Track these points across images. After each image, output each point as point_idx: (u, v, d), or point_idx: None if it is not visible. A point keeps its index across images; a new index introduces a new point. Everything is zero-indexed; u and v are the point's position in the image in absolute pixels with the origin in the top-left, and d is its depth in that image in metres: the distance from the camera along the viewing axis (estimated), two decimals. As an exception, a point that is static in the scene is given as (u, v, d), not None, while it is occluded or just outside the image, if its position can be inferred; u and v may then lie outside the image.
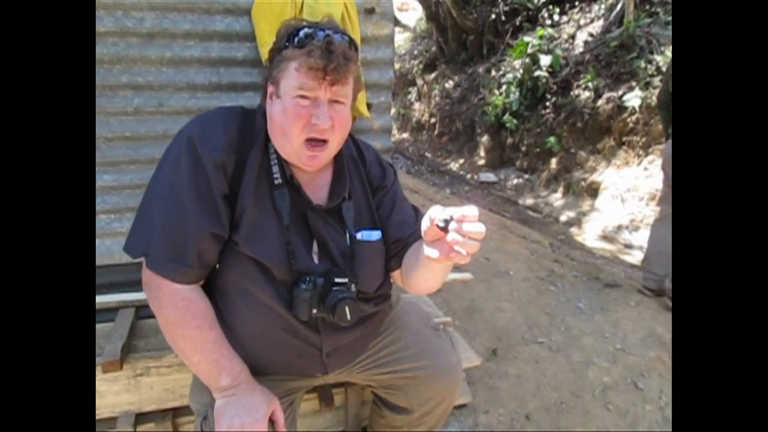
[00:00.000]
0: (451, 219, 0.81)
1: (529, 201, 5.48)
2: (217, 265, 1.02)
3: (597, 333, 2.45)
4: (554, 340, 2.38)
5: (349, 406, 1.54)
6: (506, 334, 2.40)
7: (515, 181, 5.96)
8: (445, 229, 0.82)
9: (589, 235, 4.63)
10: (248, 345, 1.03)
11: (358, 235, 1.11)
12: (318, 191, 1.10)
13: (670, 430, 1.93)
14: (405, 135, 8.67)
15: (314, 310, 1.03)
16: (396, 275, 1.20)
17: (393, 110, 1.81)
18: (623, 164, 4.89)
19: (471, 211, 0.80)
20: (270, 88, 1.01)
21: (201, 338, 0.96)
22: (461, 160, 6.95)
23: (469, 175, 6.49)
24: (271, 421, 0.99)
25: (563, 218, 5.00)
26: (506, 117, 6.05)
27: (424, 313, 1.38)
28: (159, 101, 1.45)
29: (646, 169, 4.72)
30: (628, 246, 4.33)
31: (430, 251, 0.88)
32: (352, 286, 1.06)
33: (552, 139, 5.48)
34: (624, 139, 4.91)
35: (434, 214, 0.84)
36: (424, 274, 1.06)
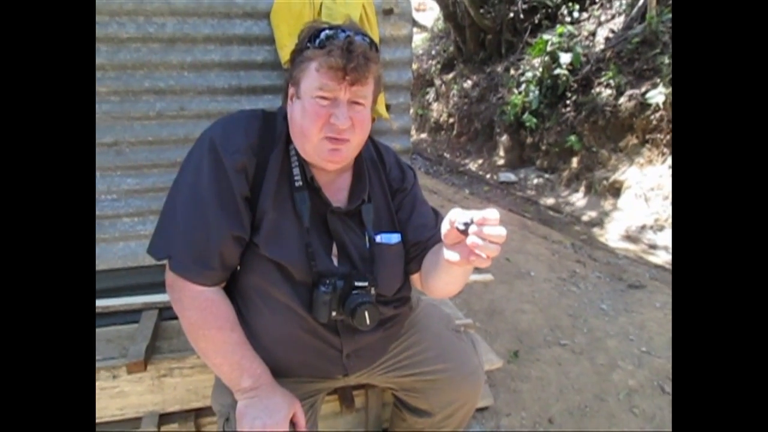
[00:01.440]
0: (472, 222, 0.80)
1: (550, 201, 5.41)
2: (238, 267, 1.02)
3: (621, 335, 2.41)
4: (577, 342, 2.35)
5: (369, 407, 1.54)
6: (528, 336, 2.39)
7: (535, 181, 5.89)
8: (465, 233, 0.81)
9: (611, 235, 4.54)
10: (269, 347, 1.03)
11: (378, 238, 1.10)
12: (338, 193, 1.10)
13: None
14: (423, 135, 8.65)
15: (333, 313, 1.03)
16: (415, 278, 1.19)
17: (411, 111, 1.80)
18: (647, 163, 4.79)
19: (492, 214, 0.79)
20: (291, 90, 1.01)
21: (223, 340, 0.97)
22: (480, 160, 6.91)
23: (488, 175, 6.44)
24: (292, 423, 1.00)
25: (585, 218, 4.92)
26: (526, 116, 5.97)
27: (444, 315, 1.37)
28: (180, 105, 1.47)
29: (670, 167, 4.58)
30: (653, 246, 4.22)
31: (450, 254, 0.87)
32: (372, 289, 1.06)
33: (573, 137, 5.39)
34: (647, 137, 4.81)
35: (454, 217, 0.83)
36: (444, 278, 1.05)
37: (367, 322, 1.01)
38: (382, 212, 1.14)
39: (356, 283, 1.04)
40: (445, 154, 7.60)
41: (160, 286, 1.42)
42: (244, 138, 1.00)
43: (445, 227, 0.86)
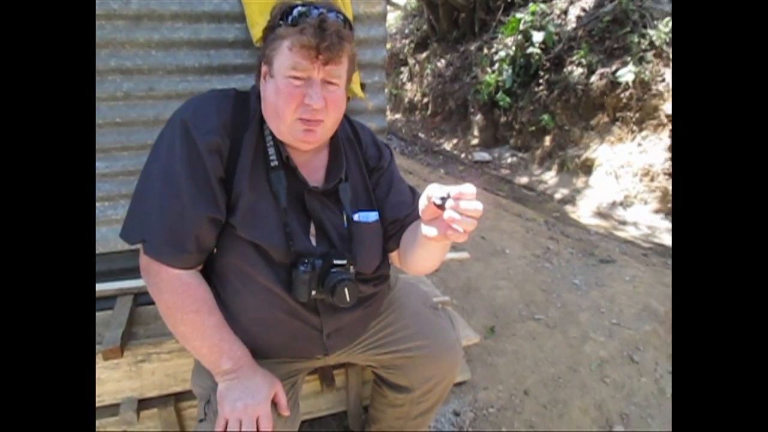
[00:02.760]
0: (448, 197, 0.81)
1: (524, 179, 5.49)
2: (215, 250, 1.01)
3: (593, 308, 2.48)
4: (551, 317, 2.40)
5: (350, 386, 1.55)
6: (503, 311, 2.43)
7: (509, 160, 5.96)
8: (442, 207, 0.82)
9: (583, 212, 4.65)
10: (249, 328, 1.03)
11: (356, 217, 1.10)
12: (314, 173, 1.09)
13: (667, 400, 1.97)
14: (398, 116, 8.62)
15: (313, 292, 1.03)
16: (394, 256, 1.20)
17: (386, 90, 1.79)
18: (617, 140, 4.90)
19: (468, 189, 0.80)
20: (263, 68, 0.99)
21: (201, 323, 0.96)
22: (455, 140, 6.94)
23: (463, 155, 6.48)
24: (274, 403, 1.00)
25: (558, 196, 5.02)
26: (499, 95, 6.01)
27: (422, 293, 1.39)
28: (149, 85, 1.42)
29: (639, 144, 4.72)
30: (622, 222, 4.35)
31: (427, 230, 0.88)
32: (351, 267, 1.06)
33: (545, 116, 5.46)
34: (618, 115, 4.91)
35: (432, 192, 0.84)
36: (422, 254, 1.06)
37: (347, 298, 1.01)
38: (359, 191, 1.14)
39: (335, 262, 1.04)
40: (419, 134, 7.60)
41: (133, 272, 1.39)
42: (217, 118, 0.98)
43: (422, 203, 0.87)
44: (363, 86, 1.72)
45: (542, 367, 2.05)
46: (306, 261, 1.02)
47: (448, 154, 6.62)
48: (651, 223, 4.34)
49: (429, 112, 7.78)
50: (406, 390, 1.27)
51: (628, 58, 4.80)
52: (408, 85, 8.60)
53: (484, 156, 6.21)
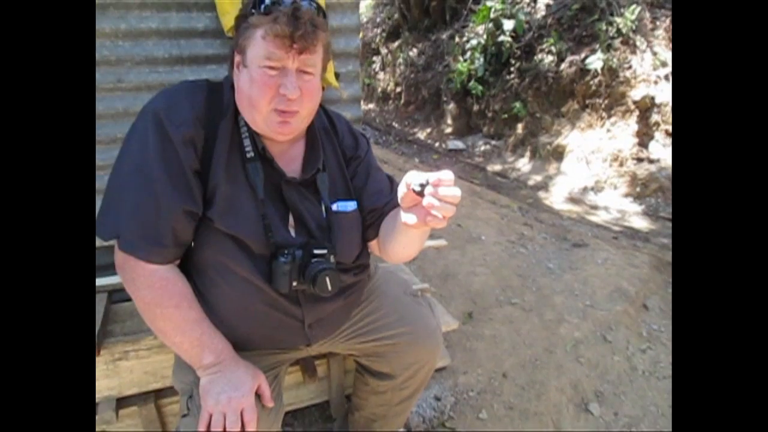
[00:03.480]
0: (427, 183, 0.82)
1: (497, 167, 5.55)
2: (193, 243, 1.00)
3: (567, 291, 2.54)
4: (527, 301, 2.45)
5: (332, 376, 1.56)
6: (481, 297, 2.47)
7: (483, 148, 6.01)
8: (421, 194, 0.83)
9: (556, 197, 4.73)
10: (230, 321, 1.02)
11: (334, 207, 1.10)
12: (291, 163, 1.08)
13: (638, 377, 2.04)
14: (371, 105, 8.58)
15: (294, 283, 1.03)
16: (373, 245, 1.21)
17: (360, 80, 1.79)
18: (587, 127, 4.98)
19: (446, 175, 0.81)
20: (237, 58, 0.98)
21: (181, 318, 0.95)
22: (429, 129, 6.96)
23: (437, 144, 6.52)
24: (258, 396, 1.00)
25: (531, 182, 5.09)
26: (472, 83, 6.05)
27: (402, 281, 1.40)
28: (117, 77, 1.38)
29: (608, 131, 4.81)
30: (594, 207, 4.44)
31: (407, 217, 0.89)
32: (331, 257, 1.06)
33: (517, 104, 5.51)
34: (587, 101, 4.99)
35: (410, 179, 0.85)
36: (402, 241, 1.07)
37: (329, 288, 1.02)
38: (337, 180, 1.13)
39: (315, 252, 1.04)
40: (393, 124, 7.60)
41: (107, 269, 1.36)
42: (190, 109, 0.96)
43: (401, 190, 0.88)
44: (337, 76, 1.71)
45: (519, 349, 2.09)
46: (286, 252, 1.01)
47: (422, 143, 6.64)
48: (621, 207, 4.45)
49: (402, 102, 7.77)
50: (389, 377, 1.28)
51: (597, 46, 4.88)
52: (381, 75, 8.55)
53: (457, 144, 6.24)
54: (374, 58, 8.81)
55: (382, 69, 8.60)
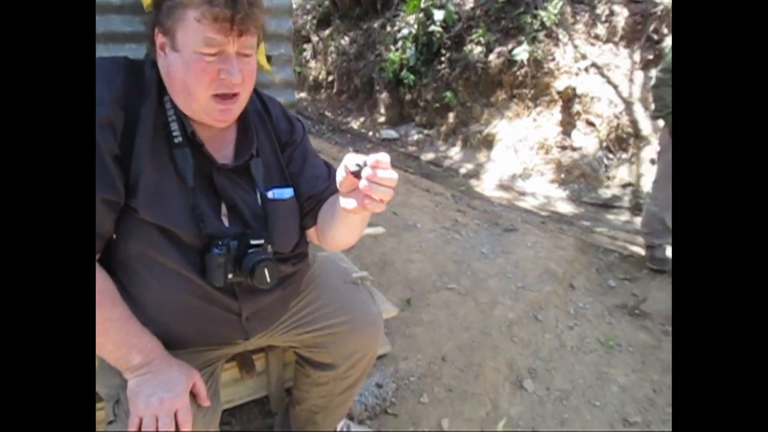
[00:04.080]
0: (365, 165, 0.81)
1: (430, 155, 5.62)
2: (114, 236, 0.92)
3: (500, 274, 2.62)
4: (463, 285, 2.51)
5: (270, 370, 1.51)
6: (418, 283, 2.49)
7: (416, 137, 6.06)
8: (358, 175, 0.82)
9: (487, 185, 4.86)
10: (160, 318, 0.95)
11: (270, 194, 1.06)
12: (223, 149, 1.02)
13: (567, 353, 2.15)
14: (303, 94, 8.41)
15: (230, 275, 0.98)
16: (311, 233, 1.17)
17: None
18: (515, 116, 5.12)
19: (383, 157, 0.80)
20: (160, 39, 0.90)
21: (104, 317, 0.87)
22: (362, 118, 6.94)
23: (370, 133, 6.51)
24: (193, 395, 0.94)
25: (463, 170, 5.20)
26: (404, 73, 6.07)
27: (342, 269, 1.37)
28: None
29: (534, 120, 5.00)
30: (522, 193, 4.60)
31: (346, 202, 0.88)
32: (269, 247, 1.02)
33: (449, 93, 5.59)
34: (515, 92, 5.13)
35: (348, 162, 0.84)
36: (341, 228, 1.05)
37: (268, 279, 0.97)
38: (272, 167, 1.09)
39: (252, 242, 0.99)
40: (326, 113, 7.51)
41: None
42: (107, 89, 0.88)
43: (340, 174, 0.87)
44: (269, 59, 1.64)
45: (457, 333, 2.13)
46: (220, 243, 0.96)
47: (355, 132, 6.61)
48: (547, 192, 4.67)
49: (335, 91, 7.68)
50: (330, 367, 1.26)
51: (522, 38, 5.03)
52: (312, 63, 8.40)
53: (391, 134, 6.26)
54: (305, 46, 8.62)
55: (313, 57, 8.43)
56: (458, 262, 2.72)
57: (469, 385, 1.88)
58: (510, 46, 5.13)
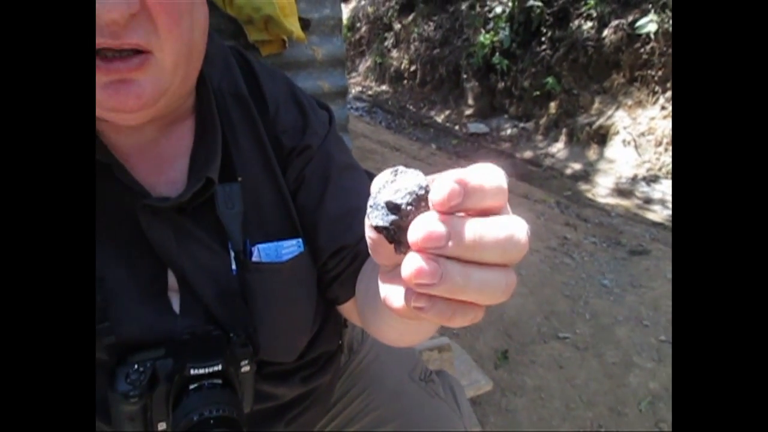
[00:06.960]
0: (410, 207, 0.28)
1: (528, 153, 5.20)
2: None
3: (633, 319, 2.12)
4: (580, 334, 2.02)
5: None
6: (517, 328, 2.04)
7: (509, 131, 5.65)
8: (394, 237, 0.30)
9: (600, 189, 4.36)
10: None
11: (255, 252, 0.60)
12: (163, 169, 0.59)
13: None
14: (383, 87, 8.25)
15: (162, 425, 0.53)
16: (348, 310, 0.67)
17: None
18: (636, 104, 4.63)
19: (478, 177, 0.27)
20: None
21: None
22: (447, 111, 6.67)
23: (456, 127, 6.19)
24: None
25: (568, 171, 4.74)
26: (496, 58, 5.68)
27: (407, 356, 0.90)
28: None
29: (663, 108, 4.44)
30: (648, 200, 4.03)
31: (387, 291, 0.34)
32: (244, 363, 0.56)
33: (550, 79, 5.16)
34: (637, 74, 4.62)
35: (376, 199, 0.30)
36: (393, 324, 0.53)
37: None
38: (262, 198, 0.62)
39: (193, 371, 0.52)
40: (408, 106, 7.31)
41: None
42: None
43: (367, 232, 0.34)
44: (305, 23, 1.17)
45: (576, 410, 1.66)
46: (136, 365, 0.52)
47: (439, 126, 6.34)
48: (678, 199, 3.97)
49: (417, 81, 7.46)
50: None
51: (649, 6, 4.46)
52: (393, 53, 8.21)
53: (480, 127, 5.90)
54: (386, 35, 8.45)
55: (395, 46, 8.24)
56: (572, 299, 2.24)
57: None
58: (631, 18, 4.58)
